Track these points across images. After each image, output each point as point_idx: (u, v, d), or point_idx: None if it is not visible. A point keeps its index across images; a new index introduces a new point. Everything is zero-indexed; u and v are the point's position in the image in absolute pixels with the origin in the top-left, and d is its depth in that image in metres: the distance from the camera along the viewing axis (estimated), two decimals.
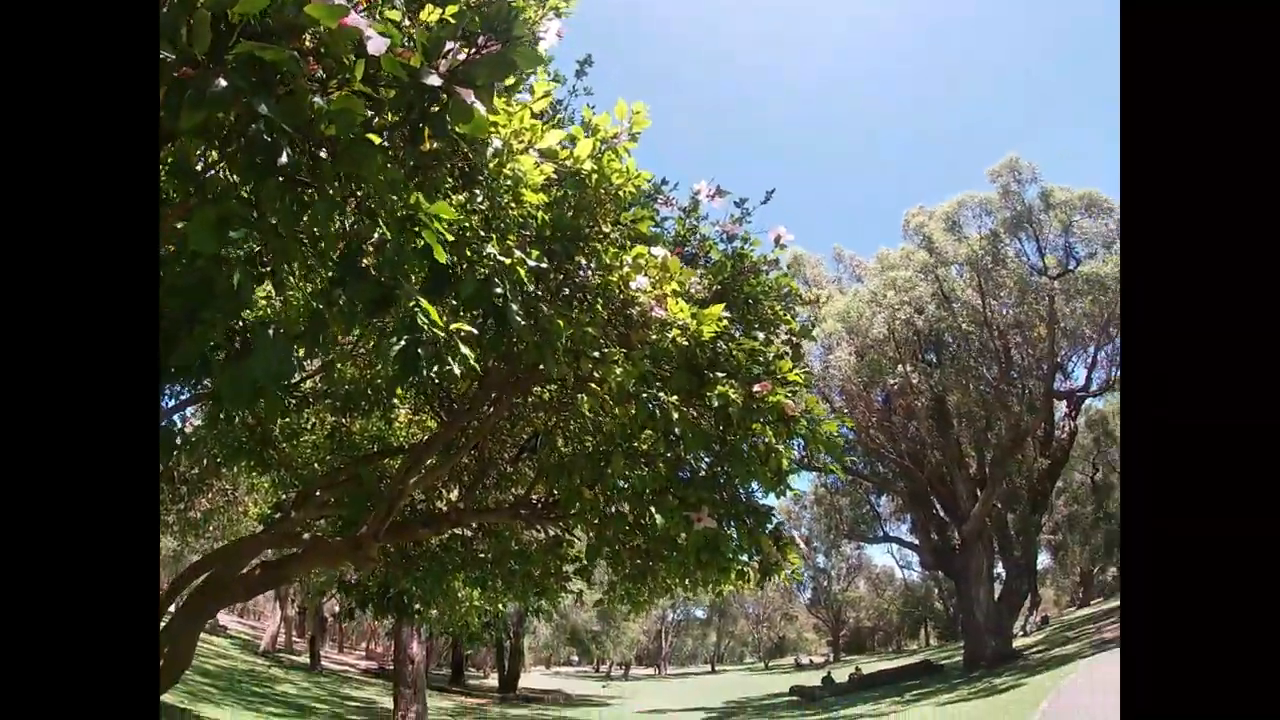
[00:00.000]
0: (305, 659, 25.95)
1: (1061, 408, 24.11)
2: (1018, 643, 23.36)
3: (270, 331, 2.06)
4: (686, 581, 3.78)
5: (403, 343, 2.14)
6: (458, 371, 2.15)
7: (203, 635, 26.33)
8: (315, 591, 22.05)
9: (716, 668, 56.48)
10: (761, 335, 3.03)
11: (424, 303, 2.07)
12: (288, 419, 5.68)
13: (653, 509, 2.63)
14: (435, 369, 2.10)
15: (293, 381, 5.30)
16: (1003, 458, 21.05)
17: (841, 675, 24.28)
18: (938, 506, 23.60)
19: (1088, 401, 26.04)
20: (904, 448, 22.17)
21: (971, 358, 20.86)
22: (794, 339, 3.21)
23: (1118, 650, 12.53)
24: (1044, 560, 41.04)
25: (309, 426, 6.13)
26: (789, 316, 3.31)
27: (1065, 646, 20.45)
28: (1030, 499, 22.64)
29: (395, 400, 5.73)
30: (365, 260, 2.31)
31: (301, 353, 4.89)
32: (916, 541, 26.29)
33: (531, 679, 37.01)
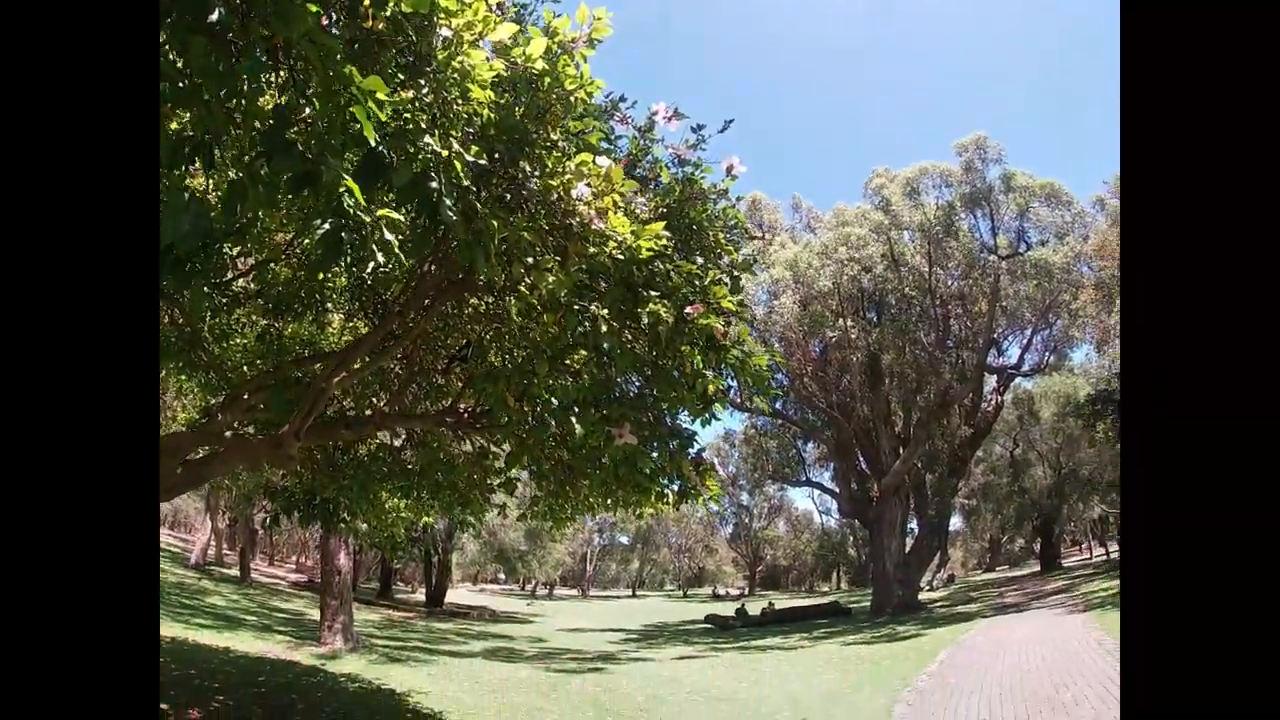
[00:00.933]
0: (235, 572, 25.82)
1: (991, 382, 25.26)
2: (923, 596, 24.93)
3: (185, 196, 1.94)
4: (608, 501, 3.86)
5: (327, 226, 2.06)
6: (381, 259, 2.07)
7: None
8: (242, 497, 21.71)
9: (638, 593, 58.96)
10: (701, 260, 3.03)
11: (350, 182, 1.97)
12: (217, 319, 5.45)
13: (574, 419, 2.63)
14: (359, 257, 2.02)
15: (223, 280, 5.06)
16: (928, 420, 22.01)
17: (755, 608, 25.50)
18: (860, 458, 24.68)
19: (1017, 380, 27.40)
20: (835, 399, 22.94)
21: (911, 322, 21.48)
22: (734, 271, 3.21)
23: (1016, 614, 13.53)
24: (956, 523, 43.72)
25: (239, 328, 5.90)
26: (731, 247, 3.31)
27: (967, 605, 21.80)
28: (949, 463, 23.85)
29: (328, 305, 5.56)
30: (293, 136, 2.18)
31: (231, 248, 4.66)
32: (837, 489, 27.50)
33: (458, 595, 37.79)
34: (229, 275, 5.10)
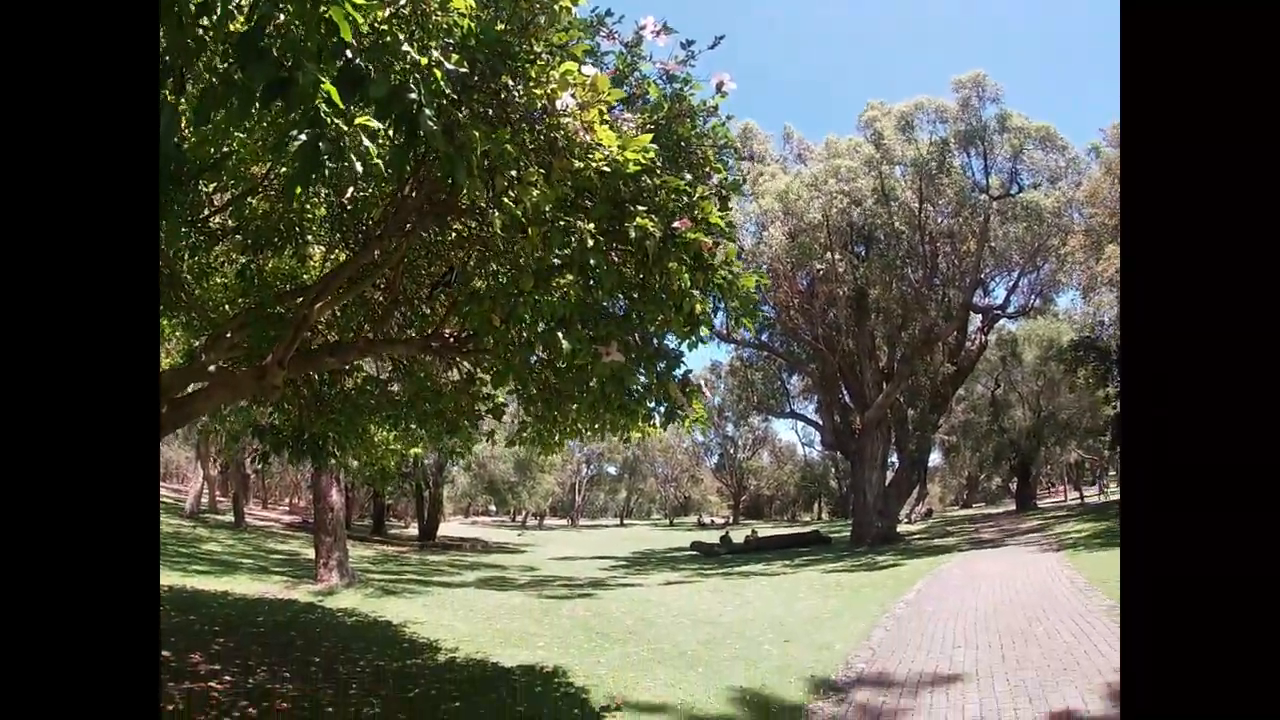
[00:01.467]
0: (230, 518, 26.04)
1: (976, 321, 25.49)
2: (901, 528, 25.67)
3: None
4: (595, 425, 3.89)
5: (303, 137, 1.98)
6: (360, 169, 2.01)
7: None
8: (230, 438, 21.70)
9: (625, 521, 60.57)
10: (689, 177, 2.97)
11: (328, 85, 1.89)
12: (196, 258, 5.34)
13: (561, 335, 2.62)
14: (338, 171, 1.96)
15: (199, 217, 4.93)
16: (912, 355, 22.26)
17: (739, 536, 26.23)
18: (844, 392, 25.03)
19: (1001, 321, 27.66)
20: (820, 332, 23.10)
21: (899, 257, 21.44)
22: (722, 190, 3.16)
23: (992, 549, 13.98)
24: (935, 459, 44.80)
25: (218, 266, 5.78)
26: (720, 165, 3.24)
27: (944, 539, 22.47)
28: (931, 399, 24.27)
29: (308, 237, 5.44)
30: (267, 42, 2.08)
31: (206, 183, 4.50)
32: (820, 421, 27.99)
33: (450, 528, 38.55)
34: (205, 212, 4.97)
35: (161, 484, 43.33)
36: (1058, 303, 28.11)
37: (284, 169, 4.27)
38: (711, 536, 27.99)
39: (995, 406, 36.90)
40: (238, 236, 5.32)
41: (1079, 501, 37.22)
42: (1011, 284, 24.99)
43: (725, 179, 3.21)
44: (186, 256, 5.20)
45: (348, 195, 4.42)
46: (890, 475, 24.12)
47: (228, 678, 5.43)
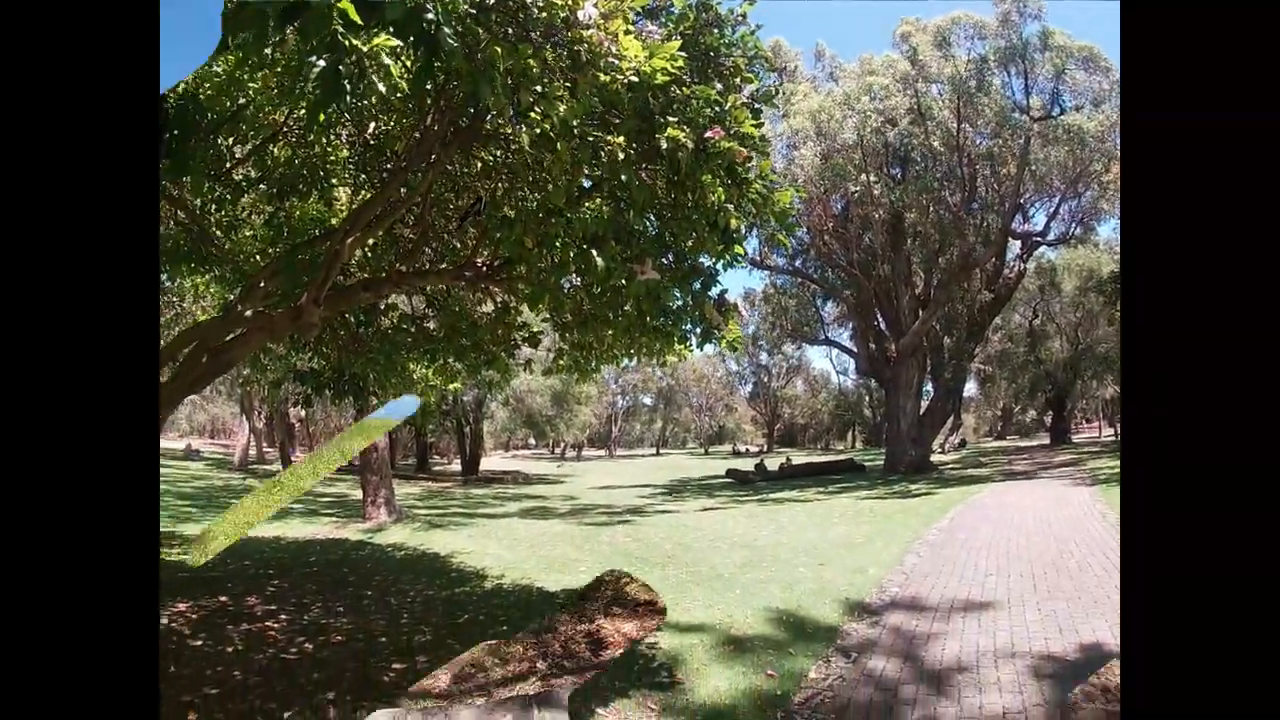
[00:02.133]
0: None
1: (1015, 248, 24.62)
2: (935, 458, 25.59)
3: None
4: (630, 350, 3.89)
5: (322, 63, 1.94)
6: (382, 90, 1.97)
7: (176, 462, 26.76)
8: (272, 385, 22.35)
9: (661, 451, 61.68)
10: (720, 87, 2.85)
11: (344, 4, 1.83)
12: (223, 211, 5.39)
13: (594, 253, 2.59)
14: (358, 94, 1.92)
15: (222, 170, 4.94)
16: (949, 282, 21.69)
17: (773, 464, 26.41)
18: (879, 318, 24.58)
19: (1041, 249, 26.66)
20: (855, 257, 22.58)
21: (936, 180, 20.62)
22: (755, 102, 3.03)
23: (1025, 482, 13.89)
24: (970, 389, 44.28)
25: (246, 217, 5.83)
26: (751, 75, 3.10)
27: (978, 469, 22.36)
28: (968, 327, 23.78)
29: (333, 180, 5.43)
30: None
31: (226, 137, 4.46)
32: (855, 349, 27.67)
33: (492, 462, 39.70)
34: (228, 165, 4.98)
35: (210, 440, 45.19)
36: (1099, 232, 26.98)
37: (303, 109, 4.23)
38: (746, 464, 28.31)
39: (1032, 337, 35.99)
40: (262, 186, 5.34)
41: (1114, 437, 36.59)
42: (1052, 210, 24.01)
43: (758, 90, 3.07)
44: (213, 210, 5.26)
45: (370, 131, 4.37)
46: (925, 404, 23.89)
47: (284, 616, 5.67)
